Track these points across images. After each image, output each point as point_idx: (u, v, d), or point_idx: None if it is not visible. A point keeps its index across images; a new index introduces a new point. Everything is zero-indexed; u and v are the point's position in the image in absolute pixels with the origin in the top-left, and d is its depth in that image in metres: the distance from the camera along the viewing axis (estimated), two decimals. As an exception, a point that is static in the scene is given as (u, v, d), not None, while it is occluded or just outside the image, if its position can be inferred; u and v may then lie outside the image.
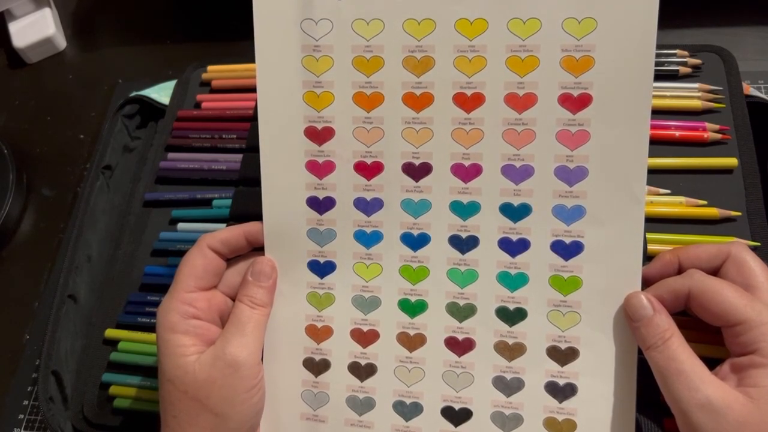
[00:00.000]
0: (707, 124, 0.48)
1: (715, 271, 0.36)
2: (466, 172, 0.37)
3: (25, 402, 0.55)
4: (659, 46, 0.34)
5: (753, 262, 0.34)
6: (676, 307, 0.35)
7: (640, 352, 0.35)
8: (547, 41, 0.35)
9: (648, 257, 0.37)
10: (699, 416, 0.31)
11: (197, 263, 0.38)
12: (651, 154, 0.35)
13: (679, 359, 0.32)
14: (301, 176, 0.39)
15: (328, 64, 0.38)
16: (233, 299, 0.39)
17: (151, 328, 0.50)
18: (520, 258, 0.37)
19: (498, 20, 0.36)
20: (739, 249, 0.35)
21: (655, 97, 0.35)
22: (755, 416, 0.30)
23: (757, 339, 0.32)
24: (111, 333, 0.51)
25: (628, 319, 0.35)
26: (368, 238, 0.39)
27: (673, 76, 0.51)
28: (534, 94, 0.36)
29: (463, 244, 0.38)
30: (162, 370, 0.36)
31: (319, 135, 0.39)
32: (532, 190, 0.37)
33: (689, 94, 0.49)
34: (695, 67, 0.51)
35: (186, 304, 0.37)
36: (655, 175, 0.35)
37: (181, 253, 0.52)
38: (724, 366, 0.34)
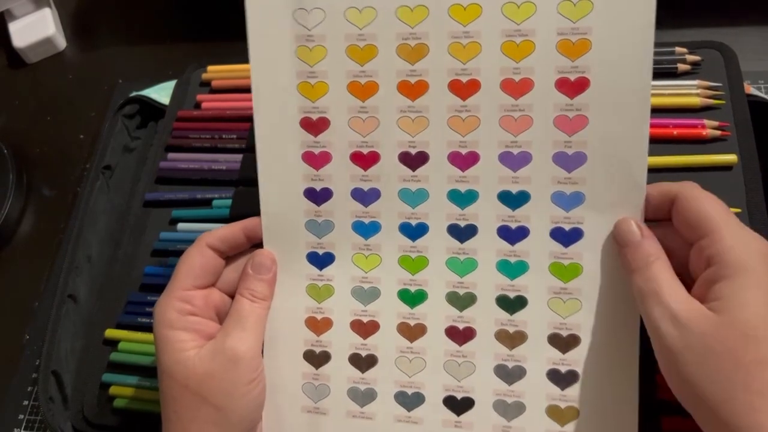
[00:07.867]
0: (706, 121, 0.47)
1: None
2: (464, 160, 0.37)
3: (25, 402, 0.55)
4: (657, 44, 0.34)
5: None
6: (660, 209, 0.35)
7: (642, 342, 0.35)
8: (543, 25, 0.35)
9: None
10: (667, 330, 0.31)
11: (195, 262, 0.38)
12: (648, 153, 0.35)
13: (658, 280, 0.33)
14: (298, 167, 0.39)
15: (322, 53, 0.38)
16: (230, 296, 0.39)
17: (151, 329, 0.50)
18: (520, 246, 0.37)
19: (492, 5, 0.35)
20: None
21: (652, 95, 0.35)
22: (717, 328, 0.30)
23: (720, 251, 0.32)
24: (111, 333, 0.50)
25: (617, 245, 0.35)
26: (366, 229, 0.39)
27: (671, 74, 0.50)
28: (530, 79, 0.36)
29: (462, 232, 0.38)
30: (161, 367, 0.36)
31: (314, 126, 0.38)
32: (530, 177, 0.36)
33: (688, 92, 0.49)
34: (694, 64, 0.50)
35: (183, 302, 0.37)
36: (652, 174, 0.36)
37: (181, 254, 0.51)
38: (696, 285, 0.34)
